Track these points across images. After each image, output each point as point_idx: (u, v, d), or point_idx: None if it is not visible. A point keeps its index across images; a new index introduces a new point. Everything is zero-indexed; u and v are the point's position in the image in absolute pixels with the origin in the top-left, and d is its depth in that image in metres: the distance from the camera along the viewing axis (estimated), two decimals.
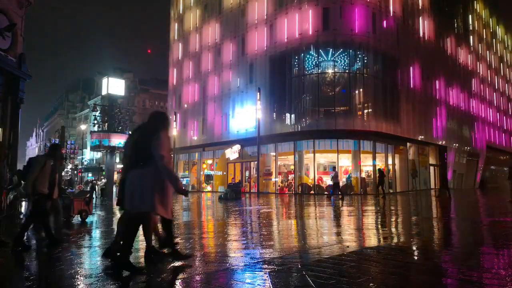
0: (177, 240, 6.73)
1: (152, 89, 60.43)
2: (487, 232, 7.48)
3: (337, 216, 11.17)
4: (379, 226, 8.50)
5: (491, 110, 50.06)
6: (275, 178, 29.54)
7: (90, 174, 56.82)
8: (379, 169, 23.69)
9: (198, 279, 4.04)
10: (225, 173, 34.17)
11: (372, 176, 27.62)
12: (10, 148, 16.53)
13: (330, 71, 27.94)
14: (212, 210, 14.66)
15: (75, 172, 57.16)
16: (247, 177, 32.14)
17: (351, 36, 27.25)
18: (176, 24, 43.18)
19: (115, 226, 7.64)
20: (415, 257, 5.28)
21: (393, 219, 10.11)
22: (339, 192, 20.07)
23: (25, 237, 6.35)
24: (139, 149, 4.16)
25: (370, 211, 12.73)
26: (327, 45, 27.74)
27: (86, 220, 10.33)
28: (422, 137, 32.81)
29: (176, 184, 4.17)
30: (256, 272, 4.26)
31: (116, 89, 34.00)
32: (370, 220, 10.13)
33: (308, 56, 28.42)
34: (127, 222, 4.38)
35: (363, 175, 27.65)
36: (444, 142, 36.72)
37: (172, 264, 4.61)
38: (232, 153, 32.59)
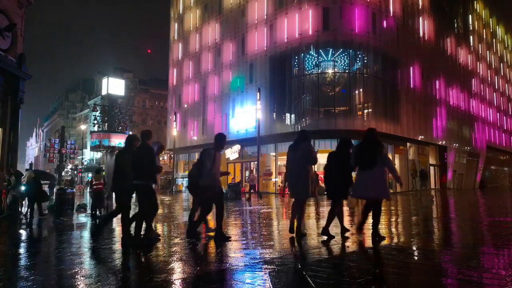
0: (177, 240, 6.74)
1: (152, 89, 60.41)
2: (487, 232, 7.48)
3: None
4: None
5: (491, 110, 50.05)
6: (275, 178, 29.53)
7: (90, 174, 56.77)
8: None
9: (198, 279, 4.04)
10: None
11: None
12: (10, 148, 16.54)
13: (330, 71, 27.94)
14: (212, 210, 14.64)
15: (75, 172, 57.14)
16: (247, 177, 32.13)
17: (351, 36, 27.25)
18: (176, 24, 43.19)
19: None
20: (415, 257, 5.28)
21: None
22: (253, 191, 22.20)
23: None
24: (367, 156, 5.86)
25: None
26: (327, 45, 27.73)
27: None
28: (422, 137, 32.82)
29: (397, 176, 6.19)
30: (256, 272, 4.26)
31: (116, 89, 33.97)
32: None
33: (308, 56, 28.41)
34: (375, 206, 5.99)
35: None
36: (444, 142, 36.73)
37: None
38: (232, 153, 32.60)
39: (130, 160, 6.11)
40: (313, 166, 6.64)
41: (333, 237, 6.25)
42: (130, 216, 6.29)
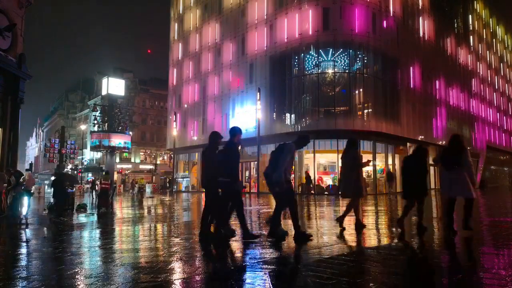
0: (177, 240, 6.74)
1: (152, 89, 60.36)
2: (487, 232, 7.47)
3: None
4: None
5: (491, 110, 50.06)
6: None
7: (90, 174, 56.83)
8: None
9: (198, 279, 4.04)
10: None
11: (372, 176, 27.61)
12: (10, 148, 16.55)
13: (330, 71, 27.94)
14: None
15: (75, 172, 57.14)
16: (247, 177, 32.13)
17: (351, 36, 27.25)
18: (176, 24, 43.18)
19: None
20: (415, 257, 5.28)
21: None
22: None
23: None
24: (451, 158, 6.61)
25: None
26: (327, 45, 27.73)
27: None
28: (422, 137, 32.82)
29: (472, 178, 6.62)
30: (256, 272, 4.26)
31: (116, 89, 33.90)
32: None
33: (308, 56, 28.41)
34: (447, 204, 6.70)
35: (363, 175, 27.60)
36: (444, 142, 36.69)
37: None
38: None
39: (214, 157, 6.26)
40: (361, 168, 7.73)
41: (427, 229, 6.97)
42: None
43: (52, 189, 12.73)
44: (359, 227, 7.31)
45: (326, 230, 7.62)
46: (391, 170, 26.24)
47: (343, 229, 7.23)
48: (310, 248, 5.67)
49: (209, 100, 36.89)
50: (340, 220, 7.46)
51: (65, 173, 16.49)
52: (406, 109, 30.66)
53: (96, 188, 25.02)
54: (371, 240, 6.60)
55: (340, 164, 8.42)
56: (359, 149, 7.65)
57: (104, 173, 15.10)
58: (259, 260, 4.85)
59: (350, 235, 6.92)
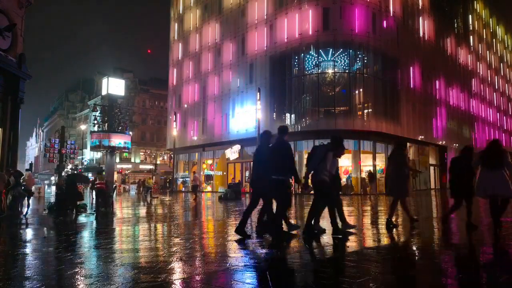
0: (177, 240, 6.74)
1: (152, 89, 60.36)
2: (487, 232, 7.47)
3: None
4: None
5: (491, 110, 50.04)
6: None
7: (90, 174, 56.81)
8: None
9: (198, 279, 4.03)
10: (225, 173, 34.15)
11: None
12: (10, 148, 16.54)
13: (330, 71, 27.94)
14: (212, 210, 14.66)
15: (75, 172, 57.13)
16: (247, 177, 32.11)
17: (351, 36, 27.25)
18: (176, 24, 43.19)
19: None
20: (415, 257, 5.28)
21: None
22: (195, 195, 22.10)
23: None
24: (493, 159, 6.81)
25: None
26: (327, 45, 27.74)
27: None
28: (422, 137, 32.82)
29: None
30: (256, 272, 4.26)
31: (116, 89, 33.78)
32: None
33: (308, 56, 28.42)
34: (493, 204, 6.83)
35: (363, 175, 27.63)
36: (444, 142, 36.73)
37: None
38: (232, 153, 32.61)
39: (269, 155, 6.33)
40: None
41: (476, 227, 7.28)
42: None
43: (63, 189, 12.83)
44: (412, 221, 7.84)
45: (326, 230, 7.61)
46: (372, 170, 26.47)
47: (394, 226, 7.73)
48: (310, 248, 5.67)
49: (209, 100, 36.89)
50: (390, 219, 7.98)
51: (78, 174, 16.81)
52: (406, 109, 30.67)
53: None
54: (371, 240, 6.60)
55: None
56: (406, 151, 8.55)
57: (97, 172, 15.07)
58: (259, 259, 4.85)
59: (350, 235, 6.92)
